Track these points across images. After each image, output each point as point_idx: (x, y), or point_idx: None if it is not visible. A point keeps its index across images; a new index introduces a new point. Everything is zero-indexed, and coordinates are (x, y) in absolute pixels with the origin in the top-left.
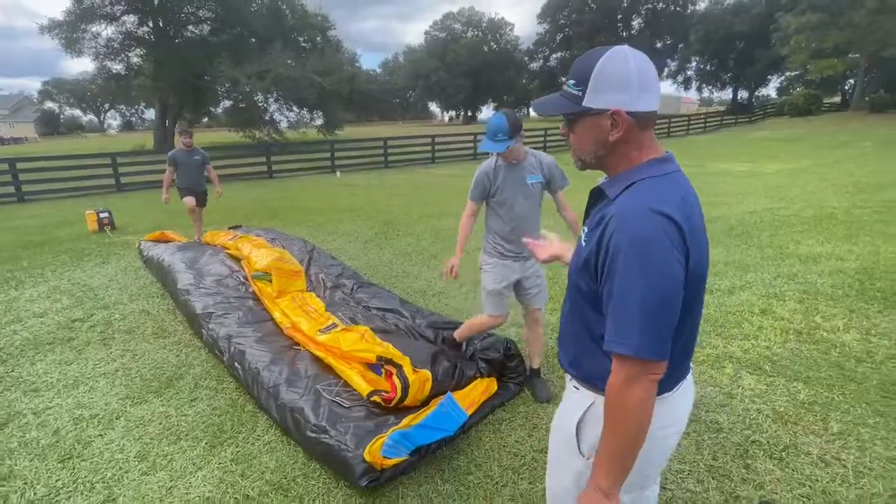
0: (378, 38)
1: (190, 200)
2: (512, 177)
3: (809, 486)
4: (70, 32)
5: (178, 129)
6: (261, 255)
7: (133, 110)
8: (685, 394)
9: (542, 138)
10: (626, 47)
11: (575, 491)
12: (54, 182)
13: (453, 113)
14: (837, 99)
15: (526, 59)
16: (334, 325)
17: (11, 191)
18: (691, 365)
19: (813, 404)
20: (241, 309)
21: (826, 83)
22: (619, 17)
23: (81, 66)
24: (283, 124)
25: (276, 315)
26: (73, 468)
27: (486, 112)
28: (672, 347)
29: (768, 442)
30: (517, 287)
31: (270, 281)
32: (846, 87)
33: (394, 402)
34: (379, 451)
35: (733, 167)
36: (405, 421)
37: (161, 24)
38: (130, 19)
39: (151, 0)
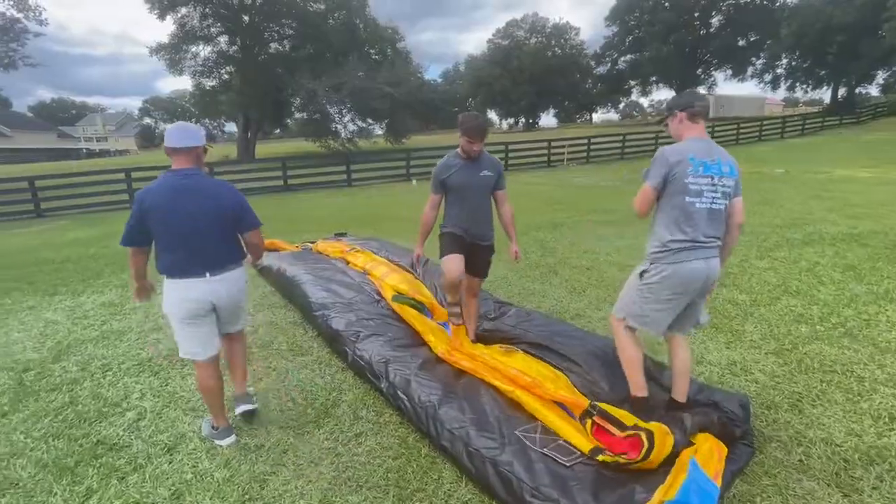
0: (436, 49)
1: (455, 267)
2: None
3: None
4: (174, 54)
5: (463, 119)
6: (399, 279)
7: (215, 124)
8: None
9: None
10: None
11: None
12: None
13: (512, 120)
14: None
15: (592, 63)
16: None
17: (126, 198)
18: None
19: None
20: (388, 330)
21: None
22: (697, 14)
23: (173, 85)
24: (356, 134)
25: (431, 339)
26: None
27: (546, 119)
28: (165, 259)
29: None
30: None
31: (414, 305)
32: None
33: (635, 464)
34: None
35: (856, 173)
36: (657, 497)
37: (248, 43)
38: (223, 39)
39: (241, 21)
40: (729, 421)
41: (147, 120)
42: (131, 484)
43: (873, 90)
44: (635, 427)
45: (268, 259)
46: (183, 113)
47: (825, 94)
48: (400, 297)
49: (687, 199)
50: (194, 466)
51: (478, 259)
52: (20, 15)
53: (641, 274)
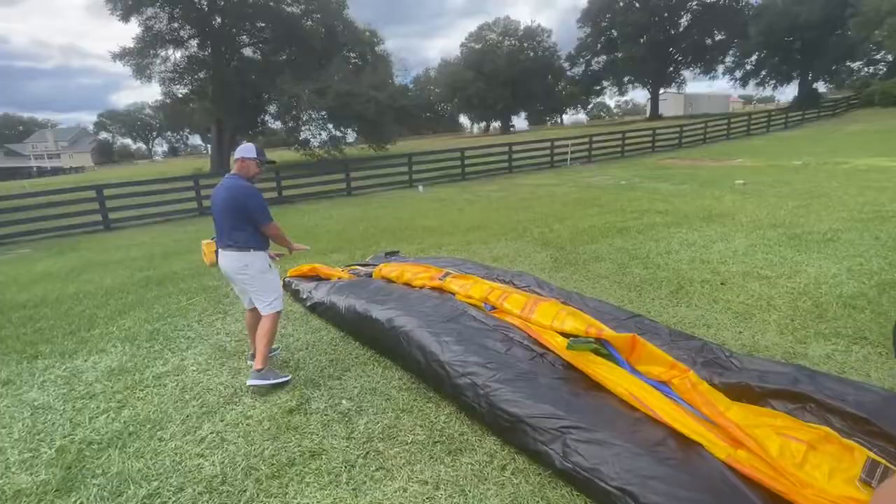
0: (401, 56)
1: None
2: None
3: None
4: (140, 59)
5: None
6: (551, 311)
7: (178, 136)
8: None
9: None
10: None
11: None
12: (139, 208)
13: (484, 124)
14: None
15: (566, 64)
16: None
17: (98, 219)
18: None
19: None
20: (604, 414)
21: None
22: (665, 14)
23: (129, 98)
24: (339, 140)
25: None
26: None
27: (519, 122)
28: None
29: None
30: None
31: (599, 351)
32: None
33: None
34: None
35: (878, 162)
36: None
37: (221, 48)
38: (194, 43)
39: (212, 22)
40: None
41: (104, 135)
42: None
43: (821, 86)
44: None
45: (320, 292)
46: (143, 126)
47: (782, 92)
48: (577, 341)
49: None
50: None
51: None
52: None
53: None
